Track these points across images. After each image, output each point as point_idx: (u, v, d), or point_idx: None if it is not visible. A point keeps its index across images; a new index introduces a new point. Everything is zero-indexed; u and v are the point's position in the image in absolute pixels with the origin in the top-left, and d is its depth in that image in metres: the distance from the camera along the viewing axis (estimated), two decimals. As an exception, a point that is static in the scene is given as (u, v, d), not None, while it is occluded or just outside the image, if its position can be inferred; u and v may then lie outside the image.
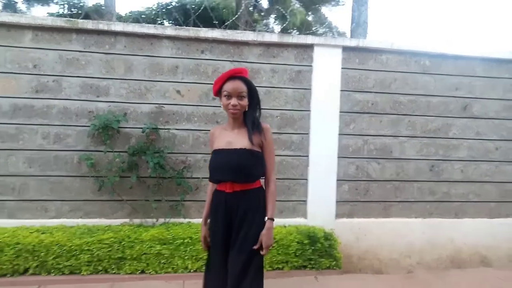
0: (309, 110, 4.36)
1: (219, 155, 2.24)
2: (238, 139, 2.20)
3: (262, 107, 2.32)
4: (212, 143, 2.33)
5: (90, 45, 4.01)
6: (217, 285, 2.23)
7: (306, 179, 4.37)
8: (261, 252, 2.14)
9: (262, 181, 2.33)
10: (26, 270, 3.53)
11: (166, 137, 4.11)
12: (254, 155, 2.17)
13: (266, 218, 2.17)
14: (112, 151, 3.98)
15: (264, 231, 2.14)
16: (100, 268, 3.61)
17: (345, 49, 4.38)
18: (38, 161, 3.95)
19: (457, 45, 4.58)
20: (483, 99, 4.64)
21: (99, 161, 4.00)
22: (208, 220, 2.36)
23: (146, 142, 4.02)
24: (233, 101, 2.17)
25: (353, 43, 4.38)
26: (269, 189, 2.23)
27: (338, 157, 4.39)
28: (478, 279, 4.08)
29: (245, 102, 2.21)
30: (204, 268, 2.42)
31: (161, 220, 4.10)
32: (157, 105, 4.10)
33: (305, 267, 3.94)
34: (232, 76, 2.20)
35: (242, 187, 2.18)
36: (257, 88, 2.30)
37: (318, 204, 4.34)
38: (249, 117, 2.24)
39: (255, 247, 2.12)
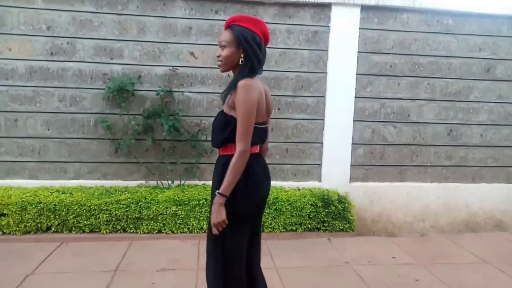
0: (325, 72, 4.27)
1: None
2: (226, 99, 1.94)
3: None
4: None
5: (102, 6, 3.94)
6: None
7: (321, 143, 4.34)
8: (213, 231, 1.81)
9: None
10: (48, 228, 3.68)
11: (180, 100, 4.09)
12: (222, 118, 1.88)
13: (217, 191, 1.79)
14: (127, 114, 4.01)
15: (212, 206, 1.81)
16: (118, 227, 3.73)
17: (364, 8, 4.21)
18: (55, 123, 4.01)
19: (483, 2, 4.33)
20: (508, 60, 4.45)
21: (114, 123, 4.04)
22: None
23: (160, 104, 4.02)
24: (218, 51, 1.91)
25: (372, 1, 4.19)
26: (233, 158, 1.78)
27: (354, 121, 4.33)
28: (492, 242, 4.08)
29: (227, 52, 1.85)
30: None
31: (177, 182, 4.17)
32: (171, 67, 4.06)
33: (318, 229, 3.99)
34: (226, 25, 1.93)
35: (219, 153, 1.97)
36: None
37: (333, 168, 4.33)
38: (236, 72, 1.92)
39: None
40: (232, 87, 1.84)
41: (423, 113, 4.43)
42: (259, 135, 1.94)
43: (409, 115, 4.42)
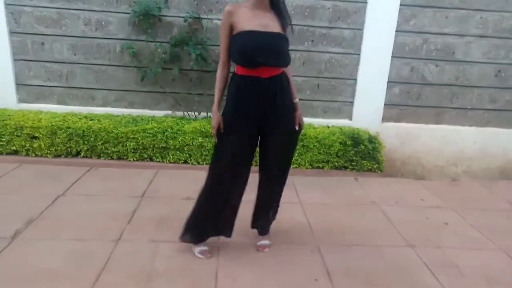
0: (365, 2, 3.91)
1: (256, 36, 2.04)
2: (271, 23, 2.09)
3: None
4: (235, 23, 2.06)
5: None
6: (242, 179, 2.34)
7: (355, 79, 4.10)
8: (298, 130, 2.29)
9: None
10: (78, 153, 3.74)
11: (209, 28, 3.88)
12: (287, 41, 2.16)
13: (297, 99, 2.27)
14: (153, 41, 3.86)
15: (299, 111, 2.27)
16: (145, 155, 3.75)
17: None
18: (81, 48, 3.92)
19: None
20: None
21: (141, 50, 3.91)
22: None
23: (188, 32, 3.84)
24: None
25: None
26: (289, 73, 2.26)
27: (392, 57, 4.04)
28: (529, 191, 3.90)
29: None
30: (213, 160, 2.36)
31: (203, 114, 4.10)
32: (199, -9, 3.82)
33: (346, 167, 3.90)
34: None
35: (277, 72, 2.15)
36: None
37: (365, 106, 4.14)
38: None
39: (297, 127, 2.26)
40: (287, 14, 2.16)
41: (470, 51, 4.06)
42: None
43: (454, 53, 4.07)
